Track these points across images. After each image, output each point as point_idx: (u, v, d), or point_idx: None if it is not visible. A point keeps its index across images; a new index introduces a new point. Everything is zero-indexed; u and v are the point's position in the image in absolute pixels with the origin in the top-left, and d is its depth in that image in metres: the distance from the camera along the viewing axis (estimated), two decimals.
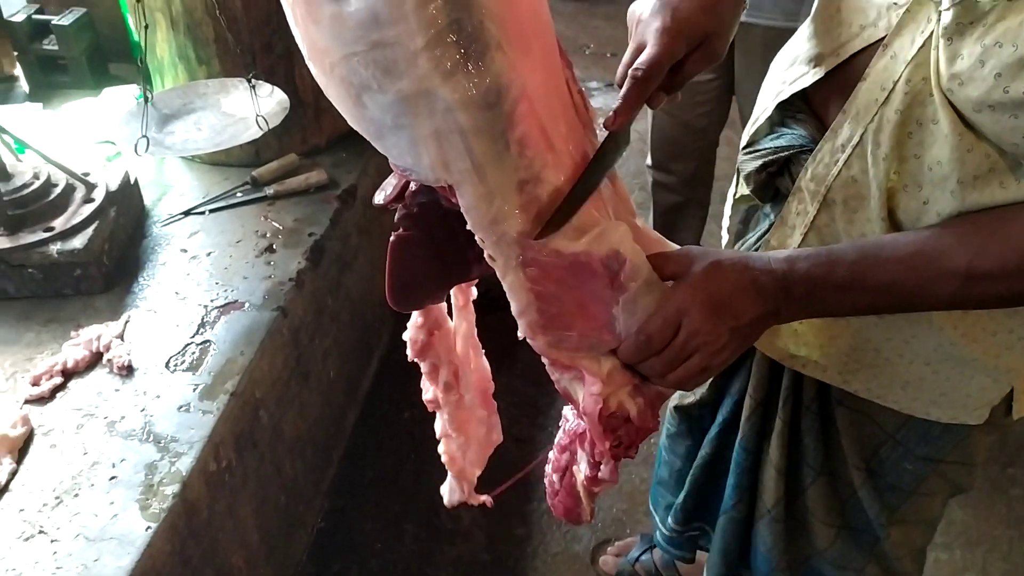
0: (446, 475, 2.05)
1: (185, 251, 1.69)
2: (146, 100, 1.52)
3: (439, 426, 1.12)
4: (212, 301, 1.57)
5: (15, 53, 2.14)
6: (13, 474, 1.23)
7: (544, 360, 0.86)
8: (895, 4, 0.83)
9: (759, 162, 0.99)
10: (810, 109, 0.97)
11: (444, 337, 1.02)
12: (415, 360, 1.04)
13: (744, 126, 1.11)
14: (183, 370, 1.42)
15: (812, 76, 0.94)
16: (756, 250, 1.05)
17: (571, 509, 1.08)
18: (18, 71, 2.17)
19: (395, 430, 2.16)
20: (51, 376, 1.38)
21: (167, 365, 1.43)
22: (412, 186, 0.79)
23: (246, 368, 1.44)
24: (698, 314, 0.79)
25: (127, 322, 1.50)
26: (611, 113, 0.81)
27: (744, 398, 1.17)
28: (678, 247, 0.86)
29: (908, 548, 1.18)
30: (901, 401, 1.00)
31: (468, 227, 0.74)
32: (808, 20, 1.00)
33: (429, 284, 0.92)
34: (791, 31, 1.08)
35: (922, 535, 1.19)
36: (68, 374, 1.40)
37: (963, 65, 0.73)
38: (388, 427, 2.17)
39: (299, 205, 1.83)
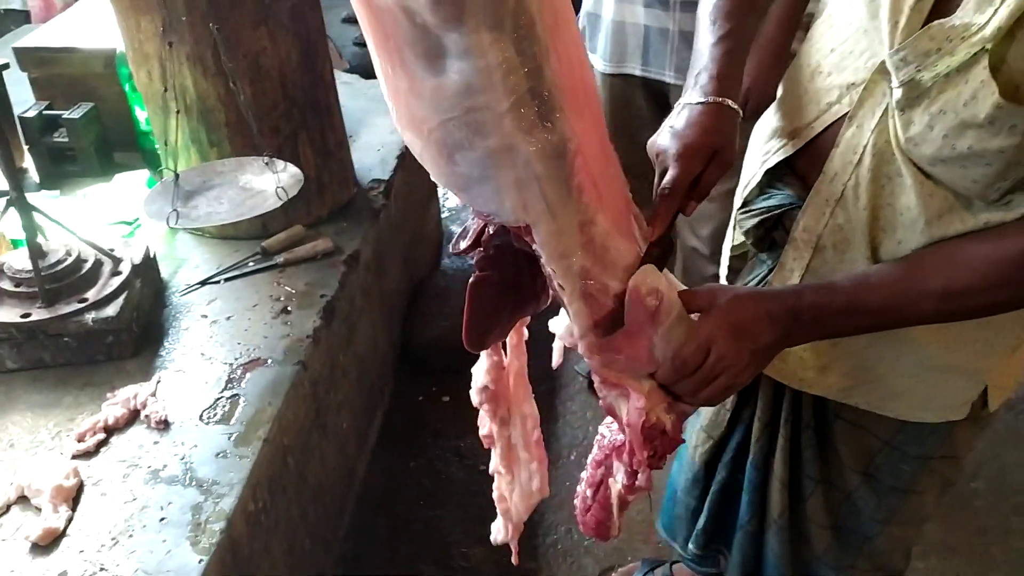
0: (456, 519, 2.16)
1: (205, 316, 1.79)
2: (176, 177, 1.66)
3: (493, 461, 1.21)
4: (236, 359, 1.67)
5: (26, 146, 2.25)
6: (70, 520, 1.32)
7: (594, 378, 1.01)
8: (854, 84, 0.99)
9: (756, 219, 1.14)
10: (793, 172, 1.12)
11: (503, 376, 1.13)
12: (481, 405, 1.14)
13: None
14: (216, 422, 1.52)
15: (792, 147, 1.10)
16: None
17: (602, 523, 1.20)
18: (27, 163, 2.28)
19: (403, 480, 2.25)
20: (94, 433, 1.47)
21: (201, 418, 1.52)
22: (490, 229, 0.94)
23: (275, 417, 1.53)
24: (724, 340, 0.93)
25: (159, 382, 1.60)
26: (648, 226, 0.98)
27: (753, 424, 1.30)
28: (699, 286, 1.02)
29: (900, 544, 1.31)
30: (897, 409, 1.14)
31: (542, 262, 0.88)
32: (778, 100, 1.18)
33: (500, 319, 1.05)
34: None
35: (913, 533, 1.32)
36: (109, 430, 1.49)
37: (916, 130, 0.89)
38: (397, 477, 2.26)
39: (308, 271, 1.94)
